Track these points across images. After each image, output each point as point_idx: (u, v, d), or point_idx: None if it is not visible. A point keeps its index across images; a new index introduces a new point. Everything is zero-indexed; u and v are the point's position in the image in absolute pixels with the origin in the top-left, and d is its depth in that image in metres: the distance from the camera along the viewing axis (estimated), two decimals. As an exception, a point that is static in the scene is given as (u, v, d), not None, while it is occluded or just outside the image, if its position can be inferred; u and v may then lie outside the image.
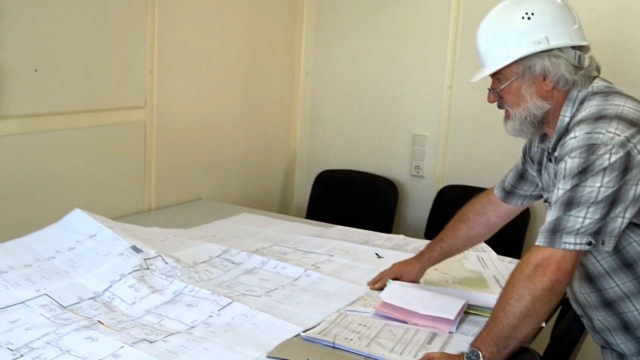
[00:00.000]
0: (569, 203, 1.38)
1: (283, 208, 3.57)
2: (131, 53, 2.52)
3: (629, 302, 1.53)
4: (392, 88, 3.28)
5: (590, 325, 1.67)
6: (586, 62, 1.51)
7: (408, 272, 1.93)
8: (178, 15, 2.71)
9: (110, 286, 1.75)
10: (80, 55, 2.32)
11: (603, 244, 1.38)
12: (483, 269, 2.13)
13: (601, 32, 2.61)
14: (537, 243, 1.41)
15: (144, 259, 1.87)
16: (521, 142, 1.81)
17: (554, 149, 1.55)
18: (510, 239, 2.77)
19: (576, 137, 1.42)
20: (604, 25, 2.65)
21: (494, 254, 2.28)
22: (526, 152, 1.79)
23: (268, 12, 3.25)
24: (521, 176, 1.82)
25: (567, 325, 1.77)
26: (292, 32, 3.45)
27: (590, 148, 1.38)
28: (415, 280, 1.94)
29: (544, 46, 1.48)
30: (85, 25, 2.32)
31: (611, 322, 1.58)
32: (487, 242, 2.29)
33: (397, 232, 3.10)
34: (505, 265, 2.17)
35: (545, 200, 1.66)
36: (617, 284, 1.52)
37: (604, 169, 1.36)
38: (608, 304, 1.56)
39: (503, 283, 1.96)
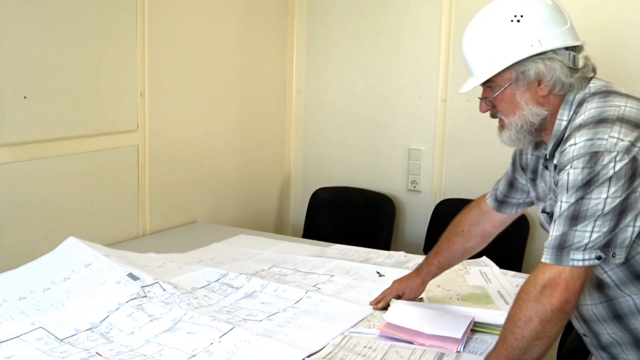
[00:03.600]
0: (575, 217, 1.32)
1: (279, 227, 3.54)
2: (122, 76, 2.50)
3: None
4: (385, 103, 3.27)
5: (595, 343, 1.58)
6: (581, 63, 1.44)
7: (410, 288, 1.89)
8: (168, 36, 2.69)
9: (107, 316, 1.71)
10: (69, 80, 2.29)
11: (614, 256, 1.32)
12: (486, 284, 2.10)
13: (599, 38, 2.60)
14: (543, 260, 1.35)
15: (142, 287, 1.83)
16: (518, 153, 1.78)
17: (552, 155, 1.49)
18: (511, 252, 2.75)
19: (576, 144, 1.34)
20: (601, 31, 2.64)
21: (496, 268, 2.24)
22: (516, 160, 1.73)
23: (259, 31, 3.23)
24: (511, 184, 1.76)
25: (574, 345, 1.73)
26: (283, 50, 3.43)
27: (594, 156, 1.31)
28: (417, 295, 1.90)
29: (537, 49, 1.41)
30: (74, 50, 2.30)
31: (621, 336, 1.50)
32: (488, 255, 2.27)
33: (395, 248, 3.09)
34: (508, 279, 2.14)
35: (543, 211, 1.59)
36: (627, 295, 1.45)
37: (610, 179, 1.29)
38: (618, 316, 1.49)
39: (507, 298, 1.96)
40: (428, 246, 3.01)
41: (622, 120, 1.34)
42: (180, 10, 2.74)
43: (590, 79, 1.47)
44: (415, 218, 3.23)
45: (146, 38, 2.57)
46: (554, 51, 1.43)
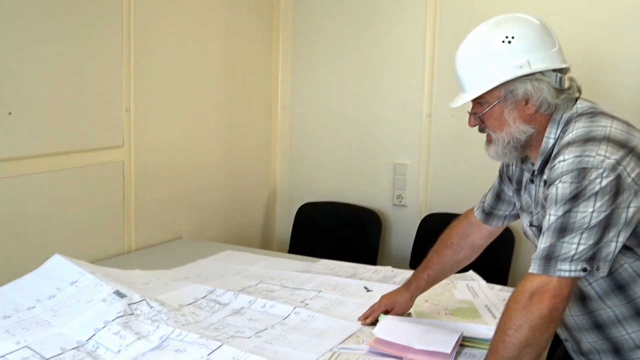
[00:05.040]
0: (562, 229, 1.37)
1: (265, 243, 3.53)
2: (107, 92, 2.49)
3: (620, 326, 1.51)
4: (371, 118, 3.28)
5: (575, 349, 1.64)
6: (567, 84, 1.50)
7: (398, 303, 1.90)
8: (154, 52, 2.68)
9: (94, 334, 1.68)
10: (54, 96, 2.28)
11: (598, 269, 1.37)
12: (474, 298, 2.10)
13: (578, 53, 2.64)
14: (530, 271, 1.39)
15: (128, 304, 1.81)
16: (502, 167, 1.80)
17: (541, 170, 1.54)
18: (496, 266, 2.76)
19: (565, 160, 1.40)
20: (580, 46, 2.68)
21: (483, 282, 2.25)
22: (503, 171, 1.78)
23: (244, 47, 3.24)
24: (498, 196, 1.81)
25: (563, 353, 1.74)
26: (269, 66, 3.44)
27: (582, 172, 1.37)
28: (406, 310, 1.91)
29: (525, 70, 1.47)
30: (59, 66, 2.28)
31: (601, 344, 1.56)
32: (474, 269, 2.28)
33: (381, 263, 3.09)
34: (495, 293, 2.15)
35: (531, 225, 1.63)
36: (609, 307, 1.51)
37: (596, 194, 1.35)
38: (599, 327, 1.54)
39: (495, 312, 1.97)
40: (414, 261, 3.03)
41: (608, 139, 1.40)
42: (166, 27, 2.75)
43: (577, 99, 1.53)
44: (401, 233, 3.24)
45: (132, 54, 2.56)
46: (541, 72, 1.48)
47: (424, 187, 3.17)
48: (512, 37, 1.48)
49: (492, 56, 1.50)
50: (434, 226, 3.04)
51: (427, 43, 3.08)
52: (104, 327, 1.71)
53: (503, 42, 1.48)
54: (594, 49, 2.72)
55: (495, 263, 2.68)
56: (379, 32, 3.22)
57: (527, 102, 1.50)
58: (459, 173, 3.07)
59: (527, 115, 1.51)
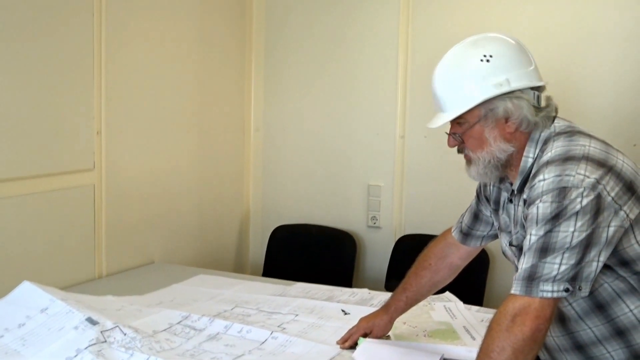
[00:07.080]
0: (544, 250, 1.36)
1: (239, 266, 3.49)
2: (77, 114, 2.44)
3: (600, 346, 1.51)
4: (344, 140, 3.28)
5: None
6: (544, 102, 1.51)
7: (377, 325, 1.88)
8: (126, 74, 2.65)
9: (65, 364, 1.64)
10: (23, 118, 2.23)
11: (580, 289, 1.36)
12: (452, 320, 2.09)
13: (551, 74, 2.68)
14: (512, 292, 1.38)
15: (101, 331, 1.76)
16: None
17: (520, 189, 1.54)
18: (471, 286, 2.76)
19: (545, 179, 1.40)
20: (553, 67, 2.72)
21: (460, 303, 2.25)
22: (480, 191, 1.78)
23: (216, 69, 3.23)
24: (476, 216, 1.81)
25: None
26: (241, 89, 3.43)
27: (562, 191, 1.37)
28: (385, 332, 1.89)
29: (505, 88, 1.47)
30: (28, 86, 2.24)
31: None
32: (449, 290, 2.28)
33: (357, 285, 3.07)
34: (473, 313, 2.14)
35: (510, 244, 1.63)
36: (589, 327, 1.51)
37: (577, 213, 1.35)
38: (579, 347, 1.54)
39: (473, 333, 1.96)
40: (389, 282, 3.01)
41: (587, 158, 1.41)
42: (138, 48, 2.72)
43: (554, 118, 1.54)
44: (376, 254, 3.23)
45: (103, 75, 2.53)
46: (520, 90, 1.49)
47: (398, 209, 3.17)
48: (491, 56, 1.49)
49: (471, 75, 1.50)
50: (409, 247, 3.04)
51: (400, 65, 3.10)
52: (76, 355, 1.66)
53: (481, 60, 1.49)
54: (565, 70, 2.77)
55: (471, 284, 2.68)
56: (352, 54, 3.23)
57: (507, 121, 1.50)
58: (433, 194, 3.08)
59: (507, 134, 1.51)
